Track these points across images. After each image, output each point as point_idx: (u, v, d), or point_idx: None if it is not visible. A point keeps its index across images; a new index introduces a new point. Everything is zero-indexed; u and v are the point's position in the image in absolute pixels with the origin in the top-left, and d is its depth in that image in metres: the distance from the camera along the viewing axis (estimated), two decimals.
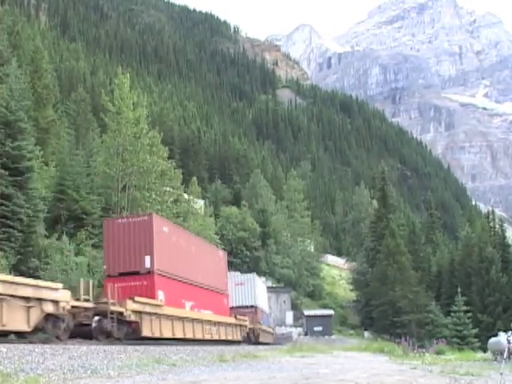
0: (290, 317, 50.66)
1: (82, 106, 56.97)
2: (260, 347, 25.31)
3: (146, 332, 16.60)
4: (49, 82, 47.19)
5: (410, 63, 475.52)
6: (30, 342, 12.15)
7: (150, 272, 17.79)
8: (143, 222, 18.45)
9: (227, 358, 14.43)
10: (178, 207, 39.21)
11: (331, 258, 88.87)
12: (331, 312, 48.28)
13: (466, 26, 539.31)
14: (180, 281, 19.98)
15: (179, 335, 18.96)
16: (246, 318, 27.46)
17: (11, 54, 44.11)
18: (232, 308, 29.05)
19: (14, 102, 27.61)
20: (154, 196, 33.03)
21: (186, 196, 47.41)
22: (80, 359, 10.41)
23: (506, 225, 62.03)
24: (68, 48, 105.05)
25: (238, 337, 25.73)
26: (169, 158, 38.70)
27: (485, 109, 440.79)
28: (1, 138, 25.21)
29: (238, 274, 37.11)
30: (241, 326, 26.69)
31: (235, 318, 25.57)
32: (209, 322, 22.05)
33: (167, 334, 18.05)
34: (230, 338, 24.31)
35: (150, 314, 16.87)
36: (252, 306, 31.16)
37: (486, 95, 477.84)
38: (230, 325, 24.82)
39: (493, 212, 61.45)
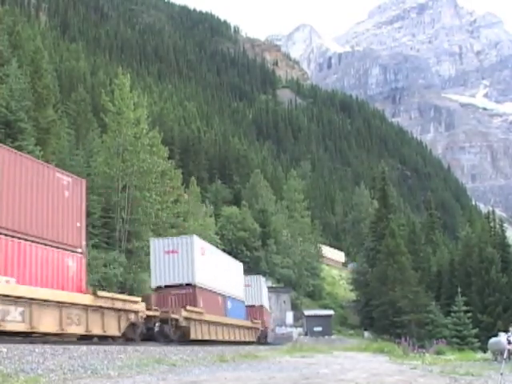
0: (290, 317, 50.66)
1: (82, 106, 56.99)
2: (261, 347, 25.24)
3: None
4: (49, 82, 47.13)
5: (410, 63, 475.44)
6: (31, 342, 12.15)
7: None
8: None
9: (227, 358, 14.45)
10: (178, 207, 39.25)
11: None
12: (331, 312, 48.28)
13: (466, 26, 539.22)
14: None
15: None
16: (138, 300, 17.05)
17: (11, 54, 44.10)
18: (163, 287, 21.60)
19: (15, 102, 27.67)
20: (154, 196, 33.05)
21: (186, 196, 47.42)
22: (80, 359, 10.42)
23: (505, 225, 62.02)
24: (68, 48, 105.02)
25: (107, 329, 15.17)
26: (169, 158, 38.79)
27: (485, 109, 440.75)
28: (1, 137, 25.22)
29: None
30: (117, 310, 15.60)
31: (94, 294, 14.59)
32: None
33: None
34: (75, 331, 13.85)
35: None
36: (189, 285, 21.49)
37: (486, 95, 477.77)
38: (73, 307, 13.74)
39: (493, 212, 61.47)
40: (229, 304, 26.33)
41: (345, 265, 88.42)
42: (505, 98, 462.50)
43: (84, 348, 12.12)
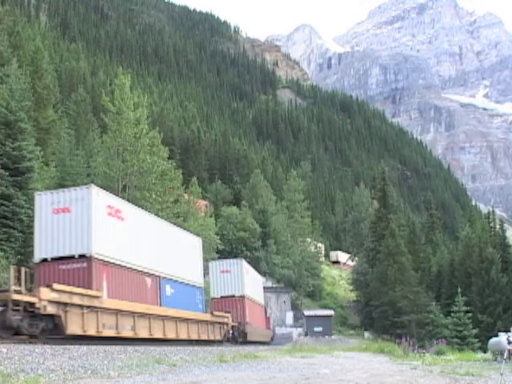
0: (290, 317, 50.65)
1: (82, 106, 57.04)
2: (260, 347, 25.24)
3: None
4: (49, 83, 47.19)
5: (410, 63, 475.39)
6: (30, 343, 12.15)
7: None
8: None
9: (227, 358, 14.44)
10: (178, 207, 39.22)
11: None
12: (331, 312, 48.25)
13: (466, 26, 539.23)
14: None
15: None
16: None
17: (11, 54, 44.10)
18: (49, 260, 15.63)
19: (15, 103, 27.63)
20: (154, 196, 33.00)
21: (186, 196, 47.42)
22: (80, 359, 10.42)
23: (506, 225, 62.03)
24: (68, 48, 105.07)
25: None
26: (169, 158, 38.69)
27: (485, 109, 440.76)
28: (1, 138, 25.21)
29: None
30: None
31: None
32: None
33: None
34: None
35: None
36: (83, 257, 15.67)
37: (486, 95, 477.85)
38: None
39: (493, 212, 61.53)
40: (168, 289, 19.87)
41: None
42: (505, 98, 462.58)
43: (84, 348, 12.13)
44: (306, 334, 44.59)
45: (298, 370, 12.37)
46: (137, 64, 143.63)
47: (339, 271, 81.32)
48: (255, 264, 55.88)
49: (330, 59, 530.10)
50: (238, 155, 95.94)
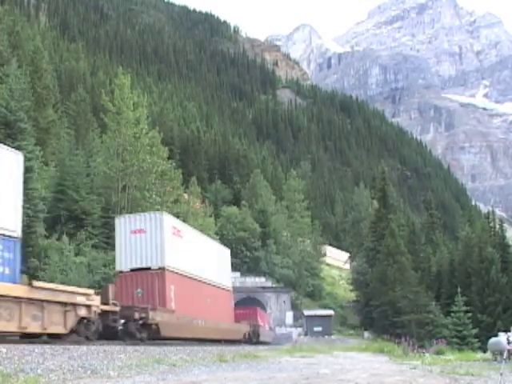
0: (289, 317, 50.66)
1: (81, 106, 57.03)
2: (260, 347, 25.25)
3: None
4: (49, 83, 47.22)
5: (409, 63, 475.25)
6: (30, 343, 12.15)
7: None
8: None
9: (227, 358, 14.44)
10: (178, 207, 39.25)
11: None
12: (331, 312, 48.26)
13: (465, 26, 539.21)
14: None
15: None
16: None
17: (11, 54, 44.15)
18: None
19: (14, 102, 27.67)
20: (154, 196, 33.03)
21: (186, 196, 47.44)
22: (80, 359, 10.41)
23: (505, 225, 61.91)
24: (68, 48, 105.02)
25: None
26: (169, 158, 38.77)
27: (485, 109, 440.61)
28: (1, 138, 25.22)
29: None
30: None
31: None
32: None
33: None
34: None
35: None
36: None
37: (485, 95, 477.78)
38: None
39: (493, 212, 61.47)
40: None
41: None
42: (505, 98, 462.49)
43: (84, 348, 12.12)
44: (306, 334, 44.60)
45: (298, 369, 12.37)
46: (137, 64, 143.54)
47: (339, 271, 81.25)
48: (255, 264, 56.05)
49: (329, 59, 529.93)
50: (237, 155, 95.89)
